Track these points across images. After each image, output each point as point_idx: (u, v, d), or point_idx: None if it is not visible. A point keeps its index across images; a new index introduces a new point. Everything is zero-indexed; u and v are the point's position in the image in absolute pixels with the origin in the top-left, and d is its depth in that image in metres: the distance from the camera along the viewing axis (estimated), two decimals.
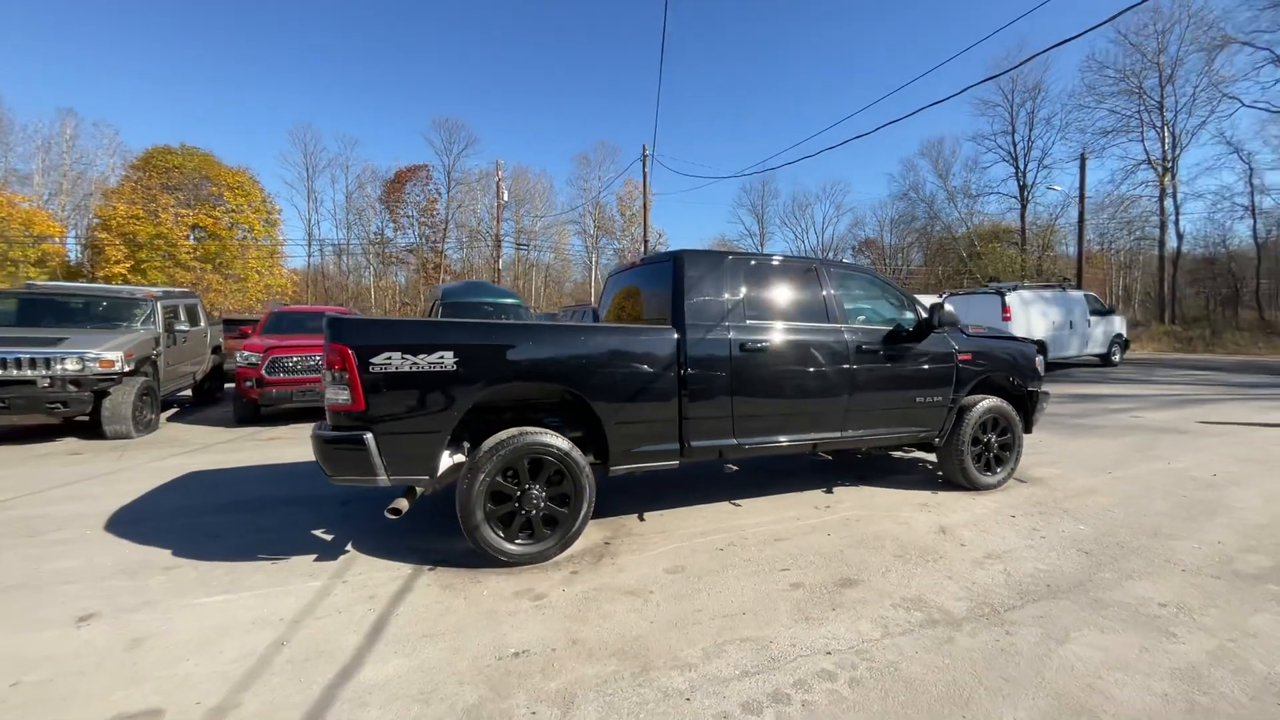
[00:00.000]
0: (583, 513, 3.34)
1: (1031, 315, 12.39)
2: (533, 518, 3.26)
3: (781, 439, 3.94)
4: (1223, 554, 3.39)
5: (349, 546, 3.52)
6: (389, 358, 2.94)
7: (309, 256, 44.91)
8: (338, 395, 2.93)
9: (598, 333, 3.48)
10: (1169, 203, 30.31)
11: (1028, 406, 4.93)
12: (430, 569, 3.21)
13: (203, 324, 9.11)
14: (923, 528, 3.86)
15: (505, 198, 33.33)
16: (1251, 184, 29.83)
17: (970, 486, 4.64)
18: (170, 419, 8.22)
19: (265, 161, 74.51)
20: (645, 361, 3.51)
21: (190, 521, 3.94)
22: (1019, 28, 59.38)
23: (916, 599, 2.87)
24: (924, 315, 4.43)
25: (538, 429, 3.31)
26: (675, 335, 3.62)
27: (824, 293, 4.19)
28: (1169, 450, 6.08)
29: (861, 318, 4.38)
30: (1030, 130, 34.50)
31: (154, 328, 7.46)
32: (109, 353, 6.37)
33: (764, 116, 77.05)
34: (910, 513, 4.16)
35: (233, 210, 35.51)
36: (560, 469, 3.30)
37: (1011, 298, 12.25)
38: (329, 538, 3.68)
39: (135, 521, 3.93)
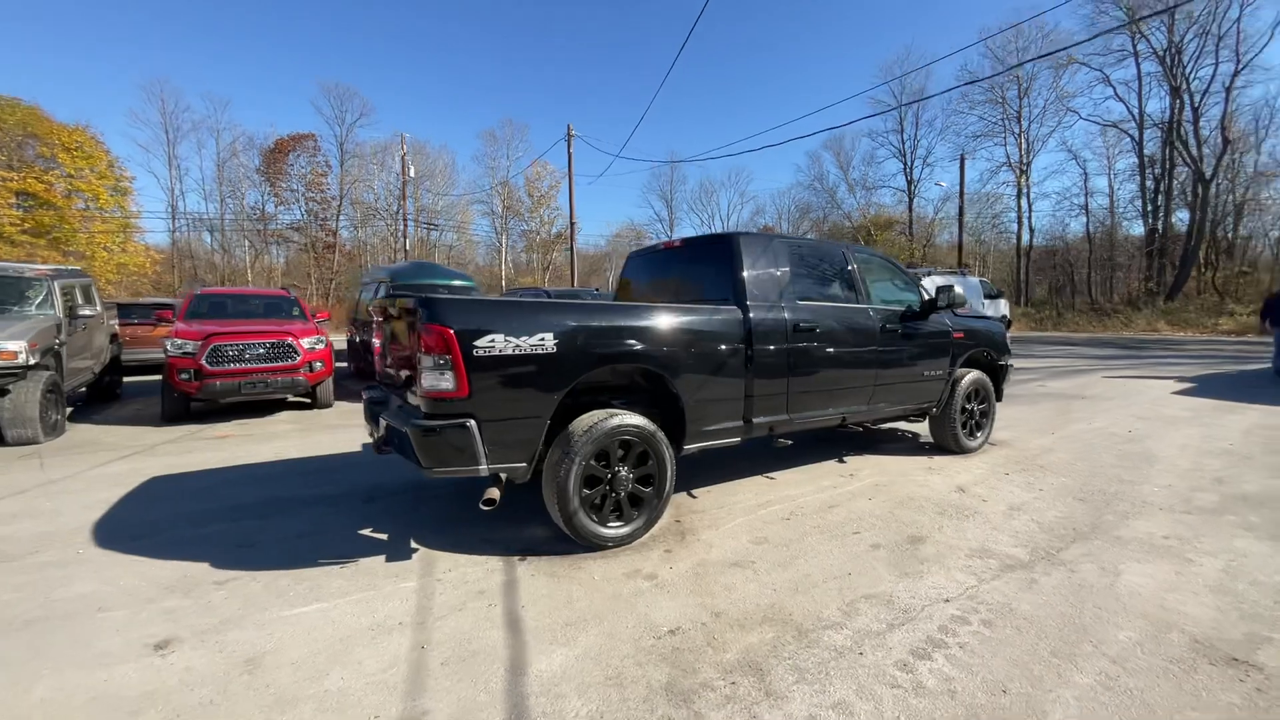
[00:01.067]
0: (666, 492, 3.37)
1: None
2: (621, 500, 3.24)
3: (826, 412, 4.19)
4: (1179, 494, 4.11)
5: (414, 544, 3.29)
6: (493, 340, 2.78)
7: (173, 231, 39.28)
8: (439, 381, 2.72)
9: (679, 312, 3.48)
10: (1024, 201, 34.82)
11: (999, 377, 5.58)
12: (520, 559, 3.09)
13: (99, 308, 7.80)
14: (941, 488, 4.29)
15: (411, 173, 31.16)
16: (1085, 187, 35.05)
17: (958, 450, 5.20)
18: (70, 420, 7.00)
19: (112, 120, 63.44)
20: (719, 340, 3.57)
21: (202, 531, 3.47)
22: (905, 38, 64.33)
23: (982, 549, 3.22)
24: (927, 296, 4.86)
25: (621, 410, 3.28)
26: (740, 314, 3.71)
27: (852, 274, 4.48)
28: (1084, 413, 7.14)
29: (880, 298, 4.72)
30: (916, 131, 38.10)
31: (53, 312, 6.30)
32: (9, 342, 5.31)
33: (680, 103, 77.97)
34: (923, 476, 4.60)
35: (70, 175, 30.24)
36: (645, 449, 3.30)
37: (926, 282, 13.63)
38: (382, 536, 3.41)
39: (133, 537, 3.39)
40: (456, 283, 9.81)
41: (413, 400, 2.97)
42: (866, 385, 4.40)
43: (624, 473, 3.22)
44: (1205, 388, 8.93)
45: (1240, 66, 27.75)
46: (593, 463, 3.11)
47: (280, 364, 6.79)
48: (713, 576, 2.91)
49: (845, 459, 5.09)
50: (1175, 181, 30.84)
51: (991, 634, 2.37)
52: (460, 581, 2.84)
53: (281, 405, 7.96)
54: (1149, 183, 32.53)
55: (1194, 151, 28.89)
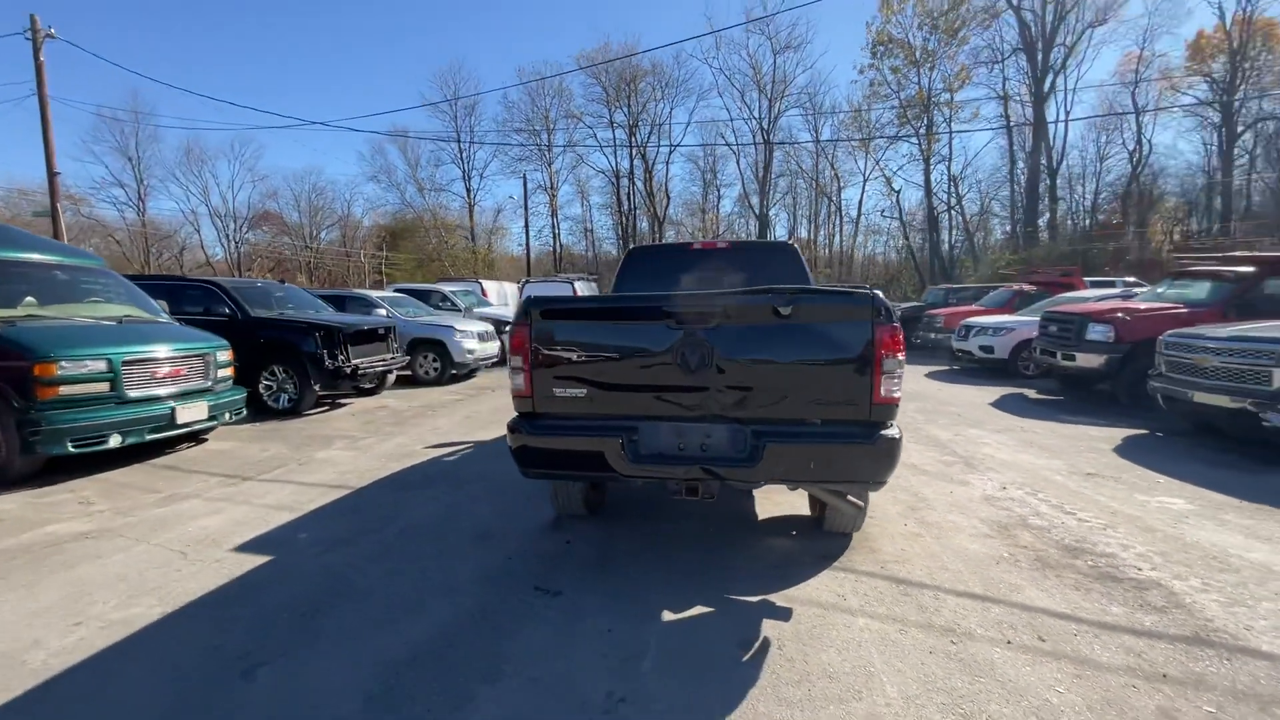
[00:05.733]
0: None
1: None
2: None
3: None
4: (924, 415, 7.12)
5: (737, 597, 2.65)
6: None
7: None
8: (893, 387, 2.50)
9: None
10: (555, 220, 42.51)
11: None
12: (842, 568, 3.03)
13: None
14: None
15: None
16: (589, 216, 45.55)
17: None
18: None
19: None
20: None
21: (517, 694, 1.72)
22: (456, 51, 65.46)
23: (940, 460, 5.06)
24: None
25: None
26: None
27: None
28: None
29: None
30: (471, 144, 40.59)
31: None
32: None
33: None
34: None
35: None
36: None
37: (579, 285, 15.81)
38: (706, 609, 2.55)
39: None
40: (83, 262, 5.49)
41: (828, 416, 2.58)
42: None
43: None
44: None
45: (671, 150, 41.92)
46: None
47: None
48: (950, 530, 3.68)
49: None
50: (641, 220, 43.91)
51: (1071, 488, 4.14)
52: (875, 596, 2.67)
53: None
54: (623, 219, 45.10)
55: (653, 200, 41.87)
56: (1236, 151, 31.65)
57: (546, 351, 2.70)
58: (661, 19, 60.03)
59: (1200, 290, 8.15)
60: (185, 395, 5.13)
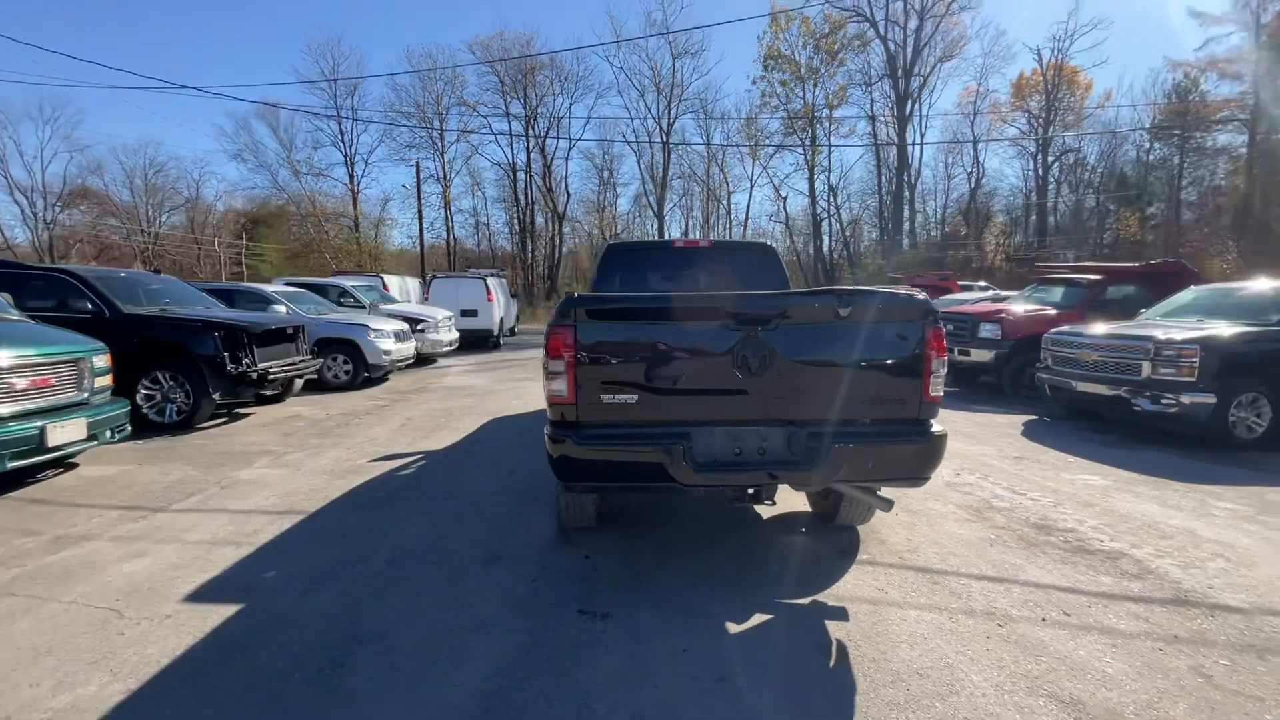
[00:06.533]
0: None
1: (498, 295, 15.65)
2: None
3: None
4: None
5: (783, 601, 2.64)
6: None
7: None
8: (940, 387, 2.60)
9: None
10: (448, 211, 40.27)
11: None
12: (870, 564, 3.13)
13: None
14: None
15: None
16: (484, 209, 43.65)
17: None
18: None
19: None
20: None
21: None
22: (334, 22, 58.73)
23: None
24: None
25: None
26: None
27: None
28: None
29: None
30: (354, 126, 37.05)
31: None
32: None
33: None
34: None
35: None
36: None
37: (491, 282, 15.06)
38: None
39: None
40: None
41: (863, 417, 2.57)
42: None
43: None
44: None
45: (571, 145, 41.33)
46: None
47: None
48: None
49: None
50: (539, 216, 42.88)
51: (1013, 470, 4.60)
52: (910, 587, 2.78)
53: None
54: (520, 213, 43.78)
55: (551, 195, 41.08)
56: (1049, 178, 37.57)
57: (593, 354, 2.49)
58: (560, 7, 59.18)
59: (1058, 294, 9.56)
60: (55, 411, 4.14)
